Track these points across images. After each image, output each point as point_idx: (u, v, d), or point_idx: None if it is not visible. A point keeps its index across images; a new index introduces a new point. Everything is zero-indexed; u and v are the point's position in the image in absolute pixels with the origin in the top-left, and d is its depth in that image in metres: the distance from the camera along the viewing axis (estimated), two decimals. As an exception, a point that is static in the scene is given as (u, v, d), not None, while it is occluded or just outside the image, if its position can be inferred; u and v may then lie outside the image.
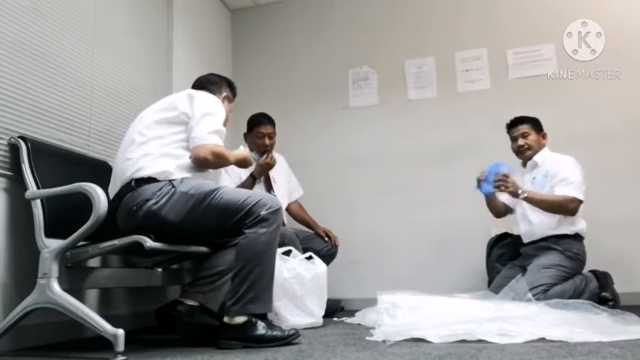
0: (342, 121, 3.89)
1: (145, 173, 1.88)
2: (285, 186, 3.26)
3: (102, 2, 2.66)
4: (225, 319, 1.81)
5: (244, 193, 1.94)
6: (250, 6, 4.23)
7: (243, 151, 2.21)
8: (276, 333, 1.82)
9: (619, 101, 3.37)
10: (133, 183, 1.89)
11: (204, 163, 1.98)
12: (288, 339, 1.82)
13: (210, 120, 1.99)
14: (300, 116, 3.64)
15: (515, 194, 2.68)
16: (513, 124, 2.90)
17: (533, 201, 2.69)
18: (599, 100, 3.40)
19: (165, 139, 1.96)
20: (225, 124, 2.17)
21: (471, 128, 3.47)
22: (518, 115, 2.93)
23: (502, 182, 2.68)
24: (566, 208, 2.65)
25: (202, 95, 2.06)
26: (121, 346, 1.57)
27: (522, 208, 2.80)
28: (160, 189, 1.86)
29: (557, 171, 2.72)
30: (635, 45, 3.41)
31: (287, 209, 3.26)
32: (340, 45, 3.99)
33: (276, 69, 4.10)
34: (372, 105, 3.86)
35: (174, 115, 1.99)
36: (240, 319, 1.79)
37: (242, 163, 2.18)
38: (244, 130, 3.24)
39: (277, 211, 1.89)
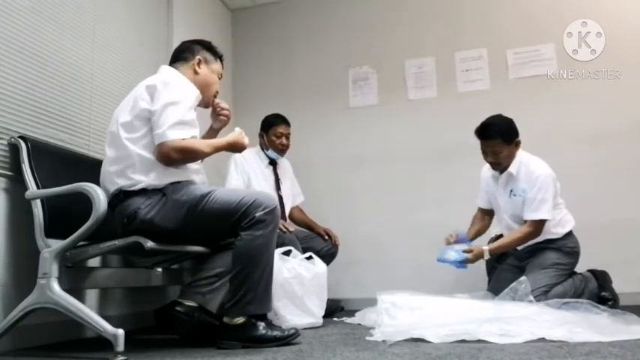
0: (342, 121, 3.89)
1: (133, 188, 1.83)
2: (289, 190, 3.29)
3: (102, 2, 2.66)
4: (225, 319, 1.81)
5: (238, 195, 1.86)
6: (250, 6, 4.23)
7: (236, 132, 1.99)
8: (276, 333, 1.81)
9: (619, 101, 3.37)
10: (121, 195, 1.85)
11: (170, 162, 1.83)
12: (288, 339, 1.81)
13: (173, 111, 1.82)
14: (300, 116, 3.64)
15: (481, 258, 2.62)
16: (482, 136, 2.68)
17: (499, 251, 2.68)
18: (599, 100, 3.40)
19: (139, 143, 1.84)
20: (207, 91, 2.07)
21: (471, 128, 3.44)
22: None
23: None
24: (532, 235, 2.60)
25: (163, 84, 1.87)
26: (121, 346, 1.57)
27: (507, 221, 2.73)
28: (150, 198, 1.82)
29: (527, 188, 2.61)
30: (635, 45, 3.40)
31: (289, 213, 3.27)
32: (340, 45, 3.99)
33: (276, 69, 4.11)
34: (372, 105, 3.86)
35: (136, 114, 1.86)
36: (240, 320, 1.79)
37: (231, 149, 2.01)
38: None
39: (273, 211, 1.83)
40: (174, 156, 1.82)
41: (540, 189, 2.58)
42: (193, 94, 1.97)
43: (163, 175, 1.85)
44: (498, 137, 2.63)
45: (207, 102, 2.13)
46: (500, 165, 2.70)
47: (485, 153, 2.72)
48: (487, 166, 2.84)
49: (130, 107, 1.89)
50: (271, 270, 1.86)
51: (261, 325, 1.80)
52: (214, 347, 1.80)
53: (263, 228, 1.80)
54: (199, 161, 2.02)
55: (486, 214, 2.93)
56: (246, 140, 2.02)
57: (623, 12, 3.46)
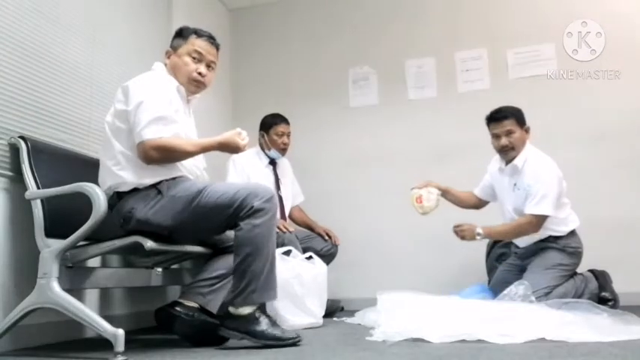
0: (342, 121, 3.89)
1: (123, 188, 1.85)
2: (289, 190, 3.30)
3: (102, 2, 2.66)
4: (231, 309, 1.80)
5: (234, 187, 1.86)
6: (249, 6, 4.23)
7: (231, 132, 1.91)
8: (277, 332, 1.79)
9: (619, 101, 3.37)
10: (115, 196, 1.87)
11: (151, 160, 1.82)
12: (287, 341, 1.79)
13: (146, 108, 1.80)
14: (300, 116, 3.64)
15: (473, 238, 2.67)
16: (495, 119, 2.70)
17: (492, 236, 2.72)
18: (599, 100, 3.40)
19: (123, 141, 1.86)
20: (179, 77, 1.99)
21: (471, 128, 3.47)
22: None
23: (458, 231, 2.70)
24: (528, 228, 2.61)
25: (134, 83, 1.88)
26: (120, 346, 1.57)
27: (511, 214, 2.73)
28: (144, 197, 1.83)
29: (531, 183, 2.61)
30: (635, 45, 3.40)
31: (289, 213, 3.28)
32: (340, 45, 3.98)
33: (275, 69, 4.10)
34: (372, 105, 3.86)
35: (116, 115, 1.88)
36: (245, 311, 1.77)
37: (223, 149, 1.93)
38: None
39: (270, 199, 1.82)
40: (153, 155, 1.81)
41: (544, 184, 2.58)
42: (170, 87, 1.96)
43: (152, 173, 1.85)
44: (512, 117, 2.68)
45: (188, 86, 2.02)
46: (513, 150, 2.68)
47: (497, 137, 2.70)
48: (495, 157, 2.84)
49: (112, 109, 1.93)
50: (274, 258, 1.84)
51: (265, 321, 1.79)
52: (214, 347, 1.80)
53: (262, 216, 1.79)
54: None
55: (476, 201, 2.97)
56: (243, 142, 1.93)
57: (623, 12, 3.46)
